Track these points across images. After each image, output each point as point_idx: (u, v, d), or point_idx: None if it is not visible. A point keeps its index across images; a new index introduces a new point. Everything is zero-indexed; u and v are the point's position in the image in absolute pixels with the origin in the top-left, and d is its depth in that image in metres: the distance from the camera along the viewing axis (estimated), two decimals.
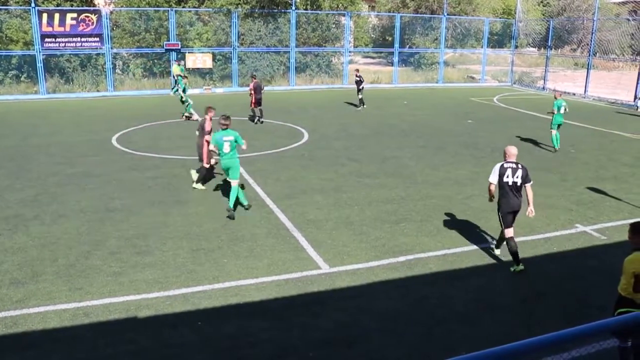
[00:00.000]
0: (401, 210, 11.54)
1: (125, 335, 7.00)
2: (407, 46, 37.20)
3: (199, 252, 9.37)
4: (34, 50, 28.63)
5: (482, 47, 38.03)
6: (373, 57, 45.41)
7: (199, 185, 13.00)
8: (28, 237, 10.09)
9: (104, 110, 23.39)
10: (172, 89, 28.21)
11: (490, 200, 9.23)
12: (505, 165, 8.78)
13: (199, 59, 30.85)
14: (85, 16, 29.02)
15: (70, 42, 28.97)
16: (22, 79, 29.29)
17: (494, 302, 7.95)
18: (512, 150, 8.87)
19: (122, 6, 31.93)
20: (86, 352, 6.63)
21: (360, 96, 25.31)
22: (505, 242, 9.03)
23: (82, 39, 29.15)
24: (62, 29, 28.65)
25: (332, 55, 35.02)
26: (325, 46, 34.17)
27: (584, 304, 7.97)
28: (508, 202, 8.77)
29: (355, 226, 10.62)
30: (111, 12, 30.88)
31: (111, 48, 29.91)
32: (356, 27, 37.98)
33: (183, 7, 31.55)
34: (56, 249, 9.55)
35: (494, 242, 9.68)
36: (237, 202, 11.23)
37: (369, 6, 49.72)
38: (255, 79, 21.60)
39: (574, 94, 31.08)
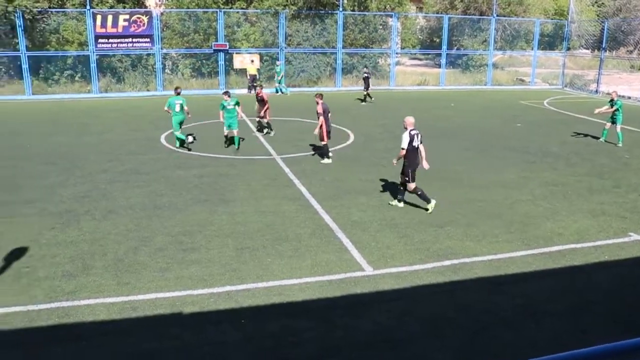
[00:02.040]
0: (446, 213, 11.39)
1: (171, 330, 7.13)
2: (455, 48, 36.74)
3: (243, 251, 9.47)
4: (88, 50, 29.49)
5: (532, 49, 37.21)
6: (420, 59, 45.04)
7: (327, 160, 15.47)
8: (79, 231, 10.40)
9: (153, 109, 23.88)
10: (250, 88, 29.50)
11: (397, 160, 11.53)
12: (412, 132, 11.15)
13: (247, 60, 31.19)
14: (137, 17, 29.72)
15: (122, 42, 29.74)
16: (76, 78, 30.22)
17: (540, 309, 7.76)
18: (412, 120, 11.37)
19: (172, 7, 32.58)
20: (133, 346, 6.78)
21: (366, 92, 27.11)
22: (413, 193, 11.38)
23: (134, 40, 29.87)
24: (114, 30, 29.44)
25: (379, 57, 34.89)
26: (372, 47, 34.06)
27: (636, 313, 7.70)
28: (415, 161, 11.27)
29: (400, 228, 10.54)
30: (162, 14, 31.53)
31: (161, 48, 30.55)
32: (403, 28, 37.77)
33: (231, 8, 31.96)
34: (106, 243, 9.81)
35: (396, 199, 11.83)
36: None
37: (417, 7, 49.35)
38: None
39: (630, 98, 30.09)
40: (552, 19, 43.36)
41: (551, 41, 39.39)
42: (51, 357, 6.57)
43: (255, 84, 27.88)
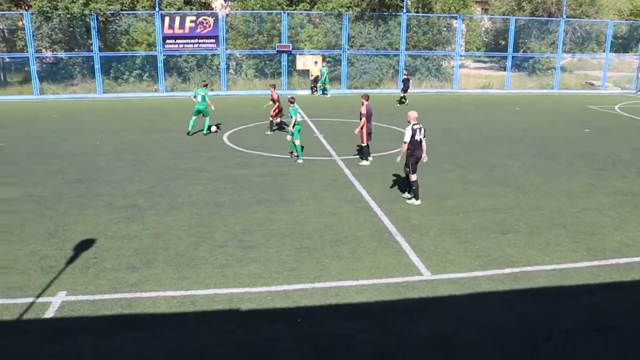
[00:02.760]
0: (508, 220, 11.14)
1: (228, 326, 7.27)
2: (522, 50, 35.81)
3: (301, 251, 9.55)
4: (156, 51, 30.44)
5: (604, 51, 35.83)
6: (484, 62, 44.13)
7: (365, 162, 15.54)
8: (143, 225, 10.75)
9: (216, 109, 24.34)
10: (312, 89, 29.97)
11: (401, 156, 11.95)
12: (414, 127, 11.63)
13: (309, 61, 31.42)
14: (203, 19, 30.45)
15: (188, 43, 30.57)
16: (144, 77, 31.27)
17: (605, 323, 7.47)
18: (415, 114, 11.80)
19: (237, 9, 33.19)
20: (190, 339, 6.95)
21: (403, 94, 27.02)
22: (412, 184, 12.04)
23: (199, 41, 30.64)
24: (181, 31, 30.28)
25: (442, 59, 34.41)
26: (435, 49, 33.65)
27: None
28: (417, 154, 11.77)
29: (460, 234, 10.38)
30: (227, 15, 32.17)
31: (226, 49, 31.18)
32: (468, 30, 37.09)
33: (295, 9, 32.27)
34: (168, 238, 10.10)
35: (409, 194, 12.36)
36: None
37: (482, 9, 48.42)
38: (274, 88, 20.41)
39: None
40: (627, 20, 41.61)
41: (625, 43, 37.84)
42: (116, 343, 6.83)
43: (318, 85, 28.14)
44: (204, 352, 6.70)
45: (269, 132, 19.86)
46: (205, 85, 19.79)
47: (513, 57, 34.25)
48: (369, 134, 15.40)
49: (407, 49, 32.46)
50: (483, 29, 40.81)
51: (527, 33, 35.78)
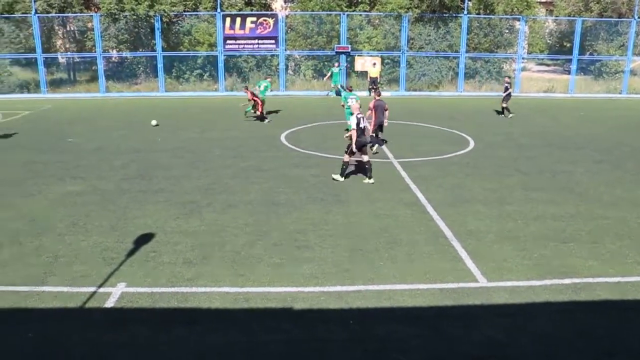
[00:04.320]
0: (570, 229, 10.78)
1: (280, 324, 7.33)
2: (588, 53, 34.59)
3: (356, 252, 9.52)
4: (216, 51, 31.04)
5: None
6: (547, 65, 42.90)
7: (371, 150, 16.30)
8: (201, 222, 10.97)
9: (274, 109, 24.62)
10: (370, 90, 29.85)
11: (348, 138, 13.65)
12: (358, 116, 13.35)
13: (368, 63, 31.32)
14: (264, 20, 30.85)
15: (248, 44, 31.04)
16: (204, 77, 31.94)
17: None
18: (357, 105, 14.14)
19: (297, 10, 33.43)
20: (242, 335, 7.05)
21: (504, 104, 23.99)
22: (343, 164, 13.71)
23: (259, 41, 31.05)
24: (242, 31, 30.77)
25: (504, 62, 33.63)
26: (496, 52, 32.93)
27: None
28: (363, 139, 13.47)
29: (518, 241, 10.12)
30: (286, 16, 32.48)
31: (285, 50, 31.46)
32: (531, 32, 36.03)
33: (354, 11, 32.24)
34: (224, 235, 10.27)
35: (369, 179, 13.59)
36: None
37: (547, 10, 47.07)
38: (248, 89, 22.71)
39: None
40: None
41: None
42: (171, 336, 7.00)
43: (375, 87, 27.99)
44: (256, 348, 6.77)
45: (267, 121, 22.25)
46: (266, 78, 23.16)
47: (578, 60, 33.13)
48: (378, 125, 16.85)
49: (467, 51, 31.92)
50: (547, 30, 39.59)
51: (595, 35, 34.54)
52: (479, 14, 32.41)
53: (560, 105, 28.80)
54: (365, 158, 13.75)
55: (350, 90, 19.58)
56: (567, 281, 8.57)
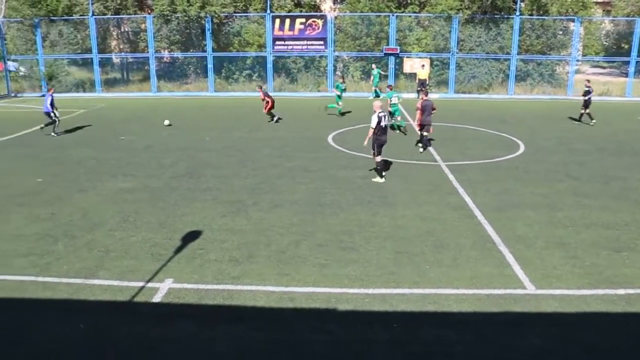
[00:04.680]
0: (624, 237, 10.41)
1: (324, 324, 7.33)
2: None
3: (401, 255, 9.45)
4: (265, 52, 31.34)
5: None
6: (603, 67, 41.64)
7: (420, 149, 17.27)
8: (247, 221, 11.09)
9: (321, 109, 24.64)
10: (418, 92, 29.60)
11: (368, 140, 13.64)
12: (380, 115, 13.30)
13: (417, 64, 31.06)
14: (313, 21, 30.99)
15: (297, 45, 31.23)
16: (253, 77, 32.29)
17: None
18: (379, 103, 13.55)
19: (346, 12, 33.43)
20: (286, 334, 7.09)
21: (585, 110, 22.53)
22: (377, 165, 13.86)
23: (308, 42, 31.21)
24: (291, 32, 31.00)
25: (557, 64, 32.76)
26: (549, 54, 32.12)
27: None
28: (383, 138, 13.56)
29: (569, 248, 9.84)
30: (335, 17, 32.52)
31: (333, 51, 31.50)
32: (586, 33, 35.00)
33: (403, 12, 32.01)
34: (270, 235, 10.35)
35: (373, 170, 14.23)
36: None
37: (604, 11, 45.68)
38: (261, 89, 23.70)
39: None
40: None
41: None
42: (216, 332, 7.10)
43: (424, 89, 27.70)
44: (299, 348, 6.80)
45: (271, 121, 22.72)
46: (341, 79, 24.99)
47: (637, 62, 31.98)
48: (423, 126, 17.01)
49: (518, 53, 31.25)
50: (603, 32, 38.45)
51: None
52: (531, 15, 31.66)
53: (616, 109, 27.89)
54: (378, 158, 13.79)
55: (391, 89, 21.11)
56: (620, 291, 8.28)
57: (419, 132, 17.42)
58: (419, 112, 17.01)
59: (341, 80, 25.71)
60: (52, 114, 19.95)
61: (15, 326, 7.26)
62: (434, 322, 7.42)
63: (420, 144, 17.45)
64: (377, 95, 29.42)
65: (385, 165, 14.63)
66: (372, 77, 29.50)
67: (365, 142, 13.76)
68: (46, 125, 20.28)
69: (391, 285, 8.38)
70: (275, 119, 22.88)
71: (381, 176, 13.85)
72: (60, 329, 7.16)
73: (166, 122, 22.03)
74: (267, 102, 22.80)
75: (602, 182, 14.13)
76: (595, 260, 9.35)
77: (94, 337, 7.01)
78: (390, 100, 19.70)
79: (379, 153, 13.70)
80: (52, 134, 20.05)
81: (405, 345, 6.86)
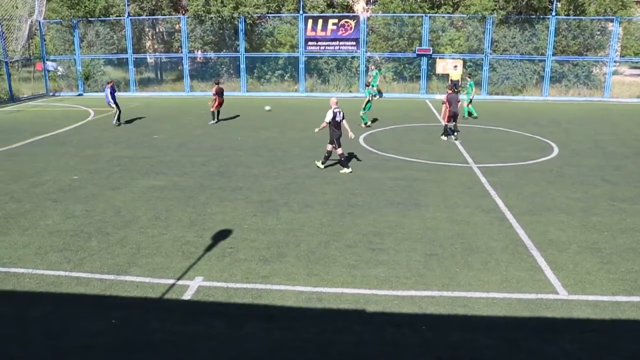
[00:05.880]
0: None
1: (352, 325, 7.31)
2: None
3: (431, 257, 9.38)
4: (297, 52, 31.44)
5: None
6: None
7: (444, 138, 19.08)
8: (277, 220, 11.13)
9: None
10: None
11: (319, 130, 14.98)
12: (335, 110, 14.35)
13: (449, 65, 30.81)
14: (345, 22, 30.97)
15: (329, 45, 31.26)
16: (285, 78, 32.46)
17: None
18: (334, 99, 14.62)
19: (378, 12, 33.32)
20: (314, 334, 7.09)
21: None
22: (340, 157, 14.75)
23: (340, 43, 31.23)
24: (323, 33, 31.05)
25: (594, 65, 32.07)
26: (586, 55, 31.48)
27: None
28: (338, 132, 14.51)
29: (603, 254, 9.63)
30: (368, 18, 32.44)
31: (365, 52, 31.44)
32: (625, 33, 34.22)
33: (436, 12, 31.77)
34: (300, 235, 10.37)
35: (320, 160, 15.25)
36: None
37: None
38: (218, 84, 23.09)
39: None
40: None
41: None
42: (245, 331, 7.14)
43: (457, 90, 27.45)
44: (328, 348, 6.80)
45: (213, 122, 22.65)
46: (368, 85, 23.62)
47: None
48: (452, 116, 18.89)
49: (554, 54, 30.74)
50: None
51: None
52: (568, 15, 31.07)
53: None
54: (339, 150, 14.65)
55: (368, 86, 22.87)
56: None
57: (445, 123, 19.47)
58: (445, 105, 19.16)
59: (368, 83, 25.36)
60: (112, 104, 22.03)
61: (52, 319, 7.44)
62: (464, 325, 7.34)
63: (454, 135, 19.23)
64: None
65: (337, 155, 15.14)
66: (371, 78, 29.62)
67: (316, 130, 15.13)
68: (117, 118, 22.28)
69: (420, 287, 8.33)
70: (215, 120, 22.69)
71: (347, 167, 14.72)
72: (93, 324, 7.30)
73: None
74: (215, 99, 22.58)
75: (639, 186, 13.80)
76: (631, 267, 9.13)
77: (125, 332, 7.13)
78: (369, 96, 21.57)
79: (339, 145, 14.57)
80: (114, 122, 22.19)
81: (434, 348, 6.80)
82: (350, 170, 14.74)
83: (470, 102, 23.86)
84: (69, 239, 10.13)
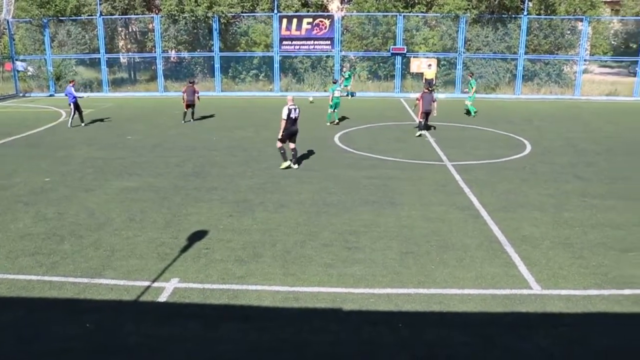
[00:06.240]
0: (631, 237, 10.35)
1: (329, 324, 7.32)
2: None
3: (407, 255, 9.43)
4: (272, 52, 31.37)
5: None
6: (611, 67, 41.45)
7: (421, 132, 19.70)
8: (253, 220, 11.10)
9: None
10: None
11: (282, 131, 14.76)
12: (290, 107, 14.76)
13: (424, 64, 31.02)
14: (320, 21, 31.00)
15: (304, 45, 31.25)
16: (260, 77, 32.38)
17: None
18: (290, 97, 15.16)
19: (353, 11, 33.41)
20: (291, 334, 7.08)
21: None
22: (279, 150, 14.99)
23: (315, 42, 31.22)
24: (298, 32, 31.04)
25: (564, 64, 32.62)
26: (557, 54, 32.00)
27: None
28: (293, 128, 14.87)
29: (575, 249, 9.80)
30: (343, 17, 32.50)
31: (340, 51, 31.49)
32: (594, 33, 34.84)
33: (410, 12, 31.96)
34: (276, 234, 10.35)
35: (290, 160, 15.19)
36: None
37: (612, 10, 45.45)
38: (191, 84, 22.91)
39: None
40: None
41: None
42: (221, 331, 7.10)
43: (431, 88, 27.64)
44: (304, 348, 6.79)
45: (185, 121, 22.67)
46: (336, 82, 23.87)
47: None
48: (424, 113, 19.67)
49: (526, 53, 31.16)
50: (612, 31, 38.26)
51: None
52: (539, 14, 31.56)
53: (623, 110, 27.78)
54: (292, 145, 15.10)
55: (335, 83, 23.38)
56: (627, 292, 8.24)
57: (419, 121, 20.08)
58: (419, 102, 19.71)
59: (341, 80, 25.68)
60: (71, 105, 21.68)
61: (23, 324, 7.30)
62: (439, 322, 7.40)
63: (422, 131, 19.83)
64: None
65: (289, 152, 15.37)
66: (343, 79, 30.01)
67: (280, 134, 14.86)
68: (81, 119, 22.03)
69: (396, 285, 8.37)
70: (184, 119, 22.67)
71: (285, 160, 15.05)
72: (66, 329, 7.19)
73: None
74: (183, 98, 22.65)
75: (609, 182, 14.07)
76: (602, 261, 9.31)
77: (100, 336, 7.04)
78: (333, 94, 21.98)
79: (284, 141, 14.91)
80: (82, 124, 21.92)
81: (410, 347, 6.83)
82: (288, 165, 15.03)
83: (472, 100, 24.49)
84: (40, 243, 9.96)
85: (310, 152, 17.06)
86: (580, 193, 13.11)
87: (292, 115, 14.77)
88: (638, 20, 34.17)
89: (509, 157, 16.61)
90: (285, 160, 15.06)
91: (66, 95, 21.83)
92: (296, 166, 15.20)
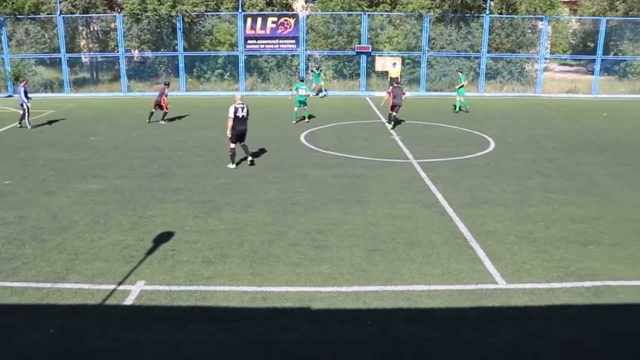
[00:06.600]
0: (591, 231, 10.63)
1: (297, 323, 7.34)
2: (612, 53, 34.04)
3: (374, 253, 9.50)
4: (237, 51, 31.19)
5: None
6: (571, 65, 42.39)
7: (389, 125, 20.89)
8: (220, 221, 11.03)
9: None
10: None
11: (230, 130, 14.84)
12: (237, 106, 14.81)
13: (388, 63, 31.22)
14: (285, 20, 30.92)
15: (269, 44, 31.14)
16: (225, 77, 32.12)
17: None
18: (239, 95, 15.41)
19: (317, 10, 33.45)
20: (259, 334, 7.07)
21: None
22: (230, 152, 15.10)
23: (280, 41, 31.12)
24: (263, 31, 30.89)
25: (526, 62, 33.24)
26: (518, 52, 32.58)
27: None
28: (240, 128, 14.96)
29: (538, 243, 10.01)
30: (307, 16, 32.50)
31: (305, 50, 31.49)
32: (554, 32, 35.57)
33: (375, 11, 32.13)
34: (243, 235, 10.31)
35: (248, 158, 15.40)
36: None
37: (570, 10, 46.46)
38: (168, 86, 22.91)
39: None
40: None
41: None
42: (189, 334, 7.04)
43: (396, 84, 27.84)
44: (272, 348, 6.79)
45: (162, 122, 22.33)
46: (302, 80, 23.82)
47: (602, 60, 32.61)
48: (393, 106, 20.61)
49: (489, 52, 31.64)
50: (570, 30, 39.12)
51: (620, 35, 34.00)
52: (501, 13, 32.09)
53: (583, 107, 28.44)
54: (232, 145, 15.13)
55: (302, 81, 23.34)
56: (587, 284, 8.46)
57: (389, 112, 21.01)
58: (389, 94, 20.76)
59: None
60: (25, 105, 20.77)
61: None
62: (407, 319, 7.48)
63: (390, 122, 21.03)
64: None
65: (242, 153, 15.52)
66: (311, 76, 30.39)
67: (228, 133, 14.91)
68: (21, 120, 21.11)
69: (364, 282, 8.42)
70: (162, 119, 22.37)
71: (233, 162, 15.15)
72: (29, 335, 7.03)
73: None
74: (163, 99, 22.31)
75: (570, 178, 14.41)
76: (564, 254, 9.53)
77: (63, 341, 6.90)
78: (298, 92, 22.00)
79: (234, 141, 14.98)
80: (29, 127, 20.95)
81: (378, 344, 6.89)
82: (235, 167, 15.09)
83: (462, 95, 25.35)
84: (0, 247, 9.71)
85: (277, 152, 17.02)
86: (542, 188, 13.39)
87: (239, 114, 14.86)
88: (595, 19, 34.96)
89: (474, 155, 16.85)
90: (233, 162, 15.16)
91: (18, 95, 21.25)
92: (250, 158, 15.37)
